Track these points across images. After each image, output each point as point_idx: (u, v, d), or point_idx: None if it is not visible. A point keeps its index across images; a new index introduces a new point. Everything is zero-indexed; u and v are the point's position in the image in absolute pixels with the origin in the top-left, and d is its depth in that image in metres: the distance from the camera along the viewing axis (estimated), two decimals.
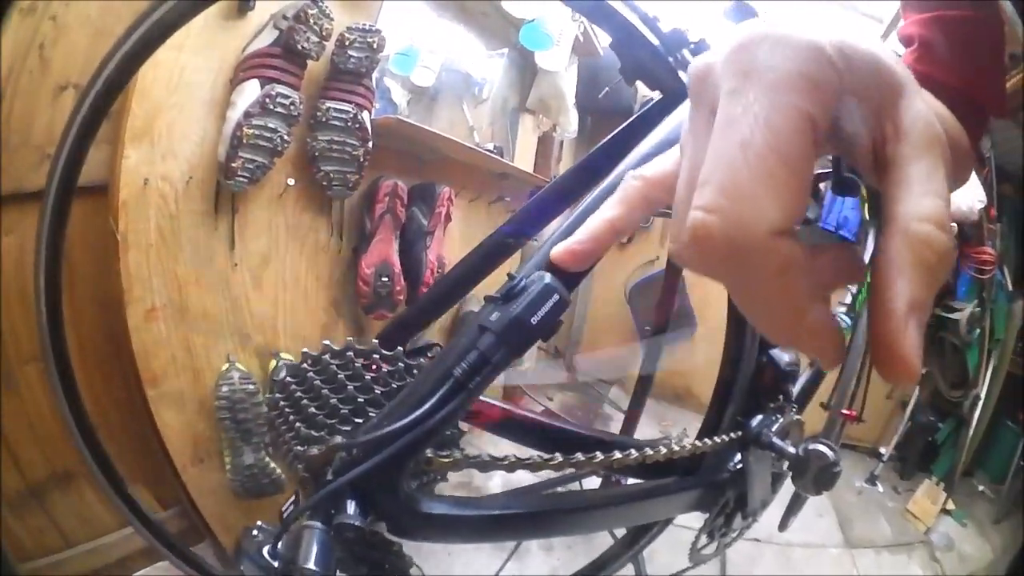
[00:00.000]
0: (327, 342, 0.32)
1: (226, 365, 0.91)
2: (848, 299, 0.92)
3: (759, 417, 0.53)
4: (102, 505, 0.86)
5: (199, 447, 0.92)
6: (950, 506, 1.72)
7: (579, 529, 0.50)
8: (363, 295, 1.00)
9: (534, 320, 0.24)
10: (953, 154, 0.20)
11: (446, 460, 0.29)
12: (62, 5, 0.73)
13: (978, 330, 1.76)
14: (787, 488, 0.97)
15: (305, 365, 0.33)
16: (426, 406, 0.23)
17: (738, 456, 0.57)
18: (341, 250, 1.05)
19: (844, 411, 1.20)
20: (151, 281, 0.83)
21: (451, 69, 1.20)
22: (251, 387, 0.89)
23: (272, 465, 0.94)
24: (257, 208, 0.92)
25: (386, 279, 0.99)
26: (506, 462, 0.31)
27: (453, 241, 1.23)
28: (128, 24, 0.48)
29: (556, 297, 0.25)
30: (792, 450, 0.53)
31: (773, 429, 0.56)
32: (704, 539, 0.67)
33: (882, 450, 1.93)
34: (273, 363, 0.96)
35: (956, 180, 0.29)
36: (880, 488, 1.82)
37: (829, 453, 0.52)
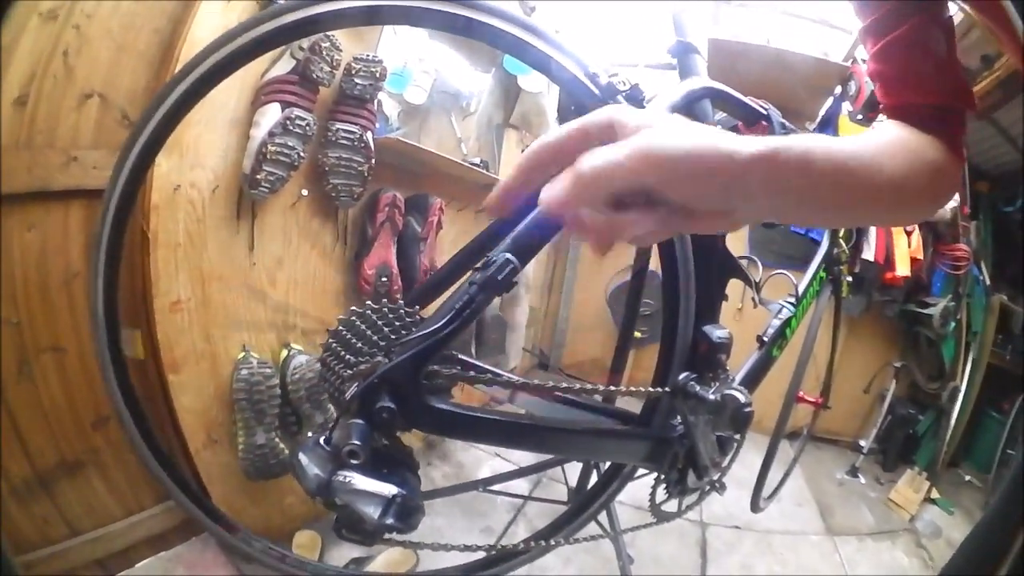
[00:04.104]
0: (369, 302, 0.54)
1: (242, 353, 1.11)
2: (800, 290, 1.14)
3: (685, 373, 0.74)
4: (110, 493, 0.98)
5: (212, 431, 1.10)
6: (935, 495, 1.89)
7: (547, 447, 0.70)
8: (365, 293, 1.23)
9: (500, 277, 0.46)
10: (922, 168, 0.34)
11: (448, 372, 0.51)
12: (84, 16, 0.84)
13: (952, 324, 1.99)
14: (753, 470, 1.17)
15: (353, 317, 0.54)
16: (438, 324, 0.46)
17: (679, 418, 0.76)
18: (345, 253, 1.28)
19: (809, 398, 1.39)
20: (177, 276, 1.01)
21: (441, 87, 1.45)
22: (268, 371, 1.09)
23: (281, 446, 1.14)
24: (274, 215, 1.14)
25: (385, 279, 1.22)
26: (487, 376, 0.53)
27: (443, 246, 1.46)
28: (182, 64, 0.64)
29: (511, 266, 0.48)
30: (711, 396, 0.73)
31: (701, 387, 0.74)
32: (662, 494, 0.86)
33: (862, 443, 2.13)
34: (284, 352, 1.17)
35: (931, 185, 0.36)
36: (862, 480, 2.01)
37: (741, 397, 0.72)
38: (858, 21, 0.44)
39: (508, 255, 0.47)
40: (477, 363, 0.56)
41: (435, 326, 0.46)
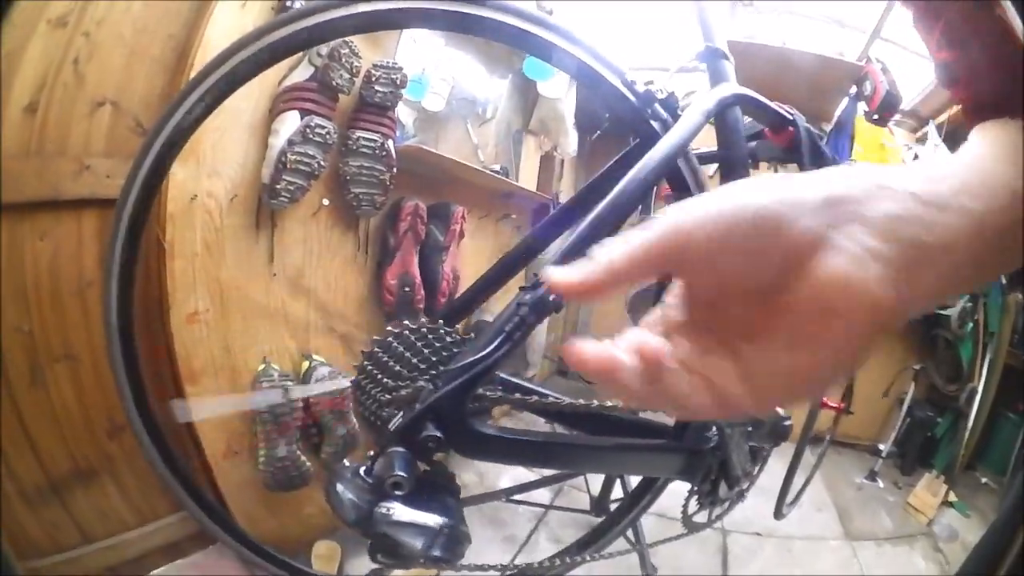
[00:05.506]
0: (406, 321, 0.51)
1: (263, 365, 1.09)
2: None
3: None
4: (124, 502, 0.96)
5: (231, 442, 1.07)
6: (952, 498, 1.84)
7: (588, 466, 0.67)
8: (387, 303, 1.20)
9: (551, 298, 0.43)
10: None
11: (493, 396, 0.48)
12: (94, 22, 0.82)
13: (970, 324, 1.95)
14: (777, 477, 1.14)
15: (390, 339, 0.51)
16: (488, 350, 0.42)
17: (715, 429, 0.74)
18: (367, 263, 1.25)
19: (831, 403, 1.36)
20: (195, 287, 0.99)
21: (459, 94, 1.41)
22: (289, 383, 1.06)
23: (302, 458, 1.11)
24: (294, 224, 1.11)
25: (408, 289, 1.19)
26: (533, 399, 0.49)
27: (465, 255, 1.43)
28: (198, 70, 0.62)
29: None
30: None
31: None
32: (694, 505, 0.84)
33: (881, 447, 2.09)
34: (306, 364, 1.14)
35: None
36: (880, 484, 1.97)
37: (780, 410, 0.70)
38: (909, 14, 0.33)
39: None
40: (521, 383, 0.53)
41: (485, 351, 0.43)
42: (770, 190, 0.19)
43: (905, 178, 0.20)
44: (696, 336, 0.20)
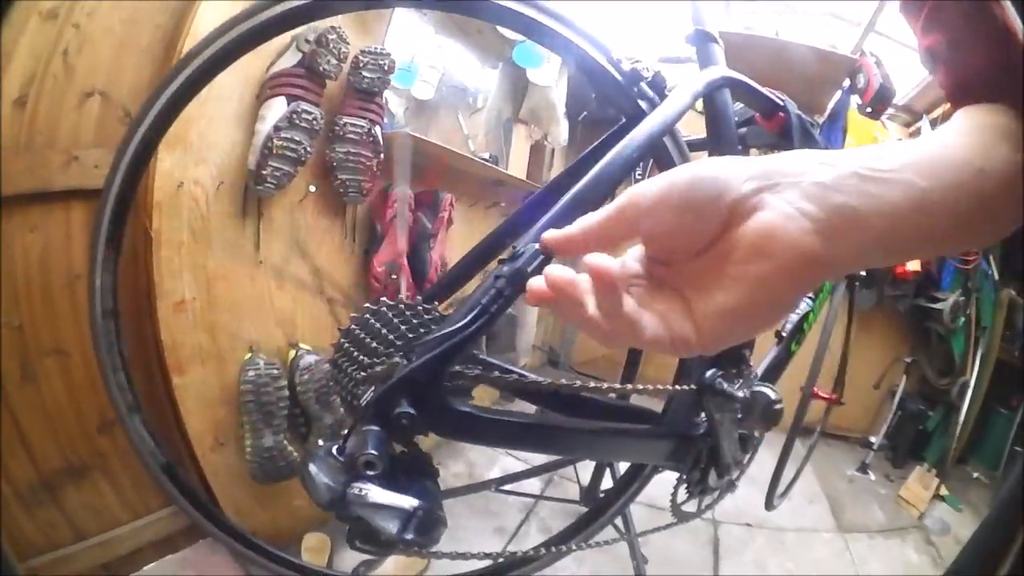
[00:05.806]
0: (383, 298, 0.50)
1: (249, 354, 1.07)
2: None
3: (712, 370, 0.70)
4: (116, 497, 0.95)
5: (218, 433, 1.06)
6: (944, 492, 1.85)
7: (572, 449, 0.66)
8: (375, 291, 1.18)
9: (529, 269, 0.42)
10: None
11: (471, 374, 0.46)
12: (84, 14, 0.82)
13: (962, 318, 1.94)
14: (768, 468, 1.13)
15: (367, 315, 0.50)
16: (463, 321, 0.41)
17: (704, 415, 0.72)
18: (354, 250, 1.23)
19: (823, 394, 1.35)
20: (182, 276, 0.97)
21: (449, 83, 1.40)
22: (275, 371, 1.04)
23: (289, 448, 1.09)
24: (280, 212, 1.09)
25: (395, 276, 1.17)
26: (513, 378, 0.48)
27: (454, 242, 1.42)
28: (182, 56, 0.61)
29: (542, 256, 0.43)
30: (740, 393, 0.69)
31: (728, 384, 0.71)
32: (683, 494, 0.82)
33: (872, 439, 2.09)
34: (292, 353, 1.12)
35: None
36: (872, 476, 1.97)
37: (772, 393, 0.69)
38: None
39: (537, 245, 0.43)
40: (500, 364, 0.51)
41: (460, 323, 0.41)
42: (714, 162, 0.22)
43: (852, 157, 0.22)
44: (652, 285, 0.24)
